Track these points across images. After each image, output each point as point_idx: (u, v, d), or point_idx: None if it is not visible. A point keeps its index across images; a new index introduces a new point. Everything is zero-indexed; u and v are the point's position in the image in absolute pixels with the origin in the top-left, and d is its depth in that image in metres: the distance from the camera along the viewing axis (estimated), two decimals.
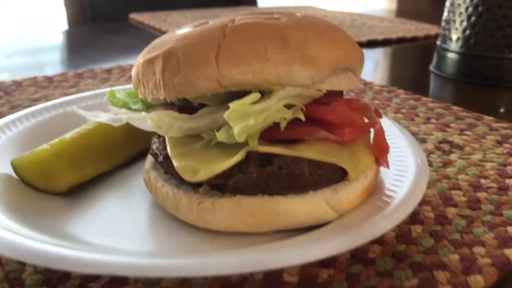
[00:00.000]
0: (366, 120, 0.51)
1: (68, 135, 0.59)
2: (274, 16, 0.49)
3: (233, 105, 0.44)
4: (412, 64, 1.39)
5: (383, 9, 2.84)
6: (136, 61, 0.53)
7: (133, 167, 0.63)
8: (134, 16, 1.90)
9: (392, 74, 1.28)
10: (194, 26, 0.50)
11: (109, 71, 1.11)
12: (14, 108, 0.87)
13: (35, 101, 0.90)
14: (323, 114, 0.48)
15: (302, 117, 0.46)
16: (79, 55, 1.45)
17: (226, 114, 0.44)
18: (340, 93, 0.54)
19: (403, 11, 2.62)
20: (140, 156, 0.65)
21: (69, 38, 1.80)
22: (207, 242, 0.48)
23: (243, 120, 0.44)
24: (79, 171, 0.56)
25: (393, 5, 3.46)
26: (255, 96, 0.45)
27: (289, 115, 0.46)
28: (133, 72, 0.53)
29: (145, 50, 0.52)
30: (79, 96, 0.76)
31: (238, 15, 0.50)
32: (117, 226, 0.50)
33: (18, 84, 1.00)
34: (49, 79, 1.03)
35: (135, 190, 0.58)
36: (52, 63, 1.41)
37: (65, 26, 2.14)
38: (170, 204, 0.50)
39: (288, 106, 0.47)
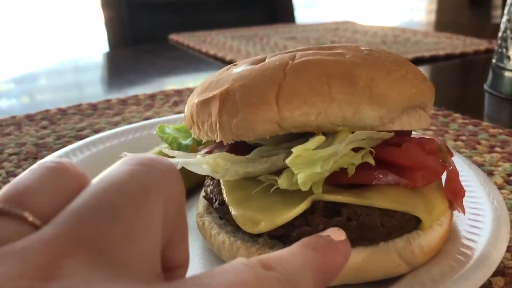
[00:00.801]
0: (440, 161, 0.47)
1: None
2: (337, 51, 0.46)
3: (296, 150, 0.40)
4: (464, 83, 1.32)
5: (422, 21, 2.76)
6: (189, 100, 0.50)
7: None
8: (174, 37, 1.90)
9: (443, 94, 1.22)
10: (251, 63, 0.47)
11: (152, 97, 1.09)
12: (60, 138, 0.86)
13: (80, 131, 0.89)
14: (394, 157, 0.44)
15: (372, 162, 0.42)
16: (121, 79, 1.46)
17: (289, 160, 0.40)
18: (409, 132, 0.50)
19: (443, 23, 2.55)
20: (189, 194, 0.62)
21: (109, 60, 1.81)
22: None
23: (308, 167, 0.40)
24: None
25: (432, 17, 3.38)
26: (320, 139, 0.42)
27: (357, 160, 0.42)
28: (187, 111, 0.50)
29: (199, 88, 0.50)
30: (126, 129, 0.75)
31: (298, 51, 0.47)
32: None
33: (63, 112, 1.00)
34: (94, 107, 1.03)
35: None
36: (94, 86, 1.42)
37: (105, 47, 2.16)
38: (226, 254, 0.46)
39: (355, 149, 0.43)
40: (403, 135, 0.46)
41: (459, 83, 1.31)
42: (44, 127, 0.92)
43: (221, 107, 0.44)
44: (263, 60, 0.47)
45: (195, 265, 0.49)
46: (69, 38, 3.04)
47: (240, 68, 0.47)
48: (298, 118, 0.42)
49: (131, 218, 0.21)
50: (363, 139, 0.43)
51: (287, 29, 2.02)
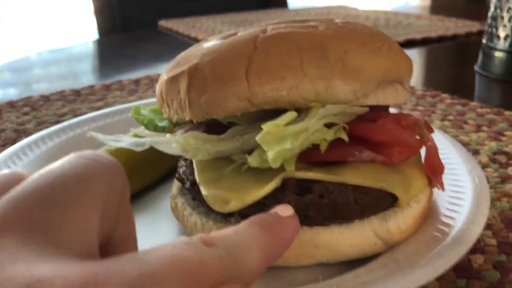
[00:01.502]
0: (417, 137, 0.45)
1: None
2: (310, 24, 0.44)
3: (266, 126, 0.39)
4: (455, 64, 1.30)
5: (417, 5, 2.73)
6: (160, 78, 0.49)
7: (159, 189, 0.59)
8: (163, 23, 1.87)
9: (433, 76, 1.20)
10: (222, 38, 0.46)
11: (137, 82, 1.07)
12: (40, 124, 0.84)
13: (62, 116, 0.88)
14: (369, 132, 0.43)
15: (346, 138, 0.41)
16: (108, 65, 1.44)
17: (259, 137, 0.39)
18: (386, 108, 0.48)
19: (439, 7, 2.51)
20: (166, 177, 0.61)
21: (99, 48, 1.79)
22: None
23: (278, 143, 0.39)
24: None
25: (427, 1, 3.34)
26: (291, 115, 0.40)
27: (330, 135, 0.40)
28: (157, 89, 0.49)
29: (170, 65, 0.48)
30: (104, 112, 0.73)
31: (270, 24, 0.45)
32: None
33: (45, 98, 0.98)
34: (77, 93, 1.01)
35: (162, 216, 0.53)
36: (85, 73, 1.39)
37: (95, 35, 2.14)
38: None
39: (328, 125, 0.41)
40: (379, 111, 0.45)
41: (450, 65, 1.29)
42: (26, 113, 0.90)
43: (190, 83, 0.43)
44: (235, 34, 0.46)
45: None
46: (58, 26, 3.01)
47: (210, 43, 0.45)
48: (269, 93, 0.40)
49: (67, 203, 0.22)
50: (336, 114, 0.41)
51: (279, 14, 1.99)
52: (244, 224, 0.26)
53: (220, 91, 0.41)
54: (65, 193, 0.22)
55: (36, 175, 0.23)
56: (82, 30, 2.38)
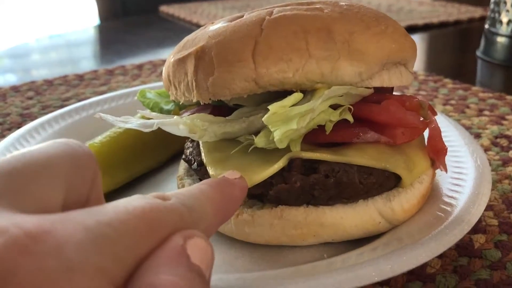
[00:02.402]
0: (421, 119, 0.46)
1: (98, 139, 0.56)
2: (316, 6, 0.44)
3: (272, 107, 0.39)
4: (457, 49, 1.30)
5: None
6: (167, 60, 0.49)
7: (166, 171, 0.60)
8: (164, 9, 1.87)
9: (436, 61, 1.21)
10: (228, 20, 0.46)
11: (140, 67, 1.08)
12: (45, 108, 0.85)
13: (66, 101, 0.88)
14: (373, 114, 0.43)
15: (351, 119, 0.42)
16: (110, 51, 1.44)
17: (265, 118, 0.39)
18: (390, 90, 0.49)
19: None
20: (173, 159, 0.62)
21: (100, 33, 1.79)
22: (246, 256, 0.44)
23: (284, 124, 0.40)
24: (109, 178, 0.53)
25: None
26: (297, 96, 0.41)
27: (335, 117, 0.41)
28: (164, 72, 0.49)
29: (176, 48, 0.48)
30: (110, 96, 0.74)
31: (276, 7, 0.46)
32: None
33: (49, 83, 0.99)
34: (80, 77, 1.01)
35: None
36: (85, 59, 1.39)
37: (96, 20, 2.13)
38: None
39: (334, 106, 0.42)
40: (383, 93, 0.45)
41: (452, 50, 1.29)
42: (30, 98, 0.91)
43: (197, 65, 0.43)
44: (241, 17, 0.46)
45: None
46: (58, 12, 2.99)
47: (217, 25, 0.45)
48: (275, 75, 0.41)
49: (31, 174, 0.24)
50: (341, 96, 0.42)
51: (286, 2, 1.99)
52: (196, 184, 0.29)
53: (227, 73, 0.41)
54: (32, 167, 0.24)
55: (16, 152, 0.25)
56: (83, 16, 2.37)
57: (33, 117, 0.80)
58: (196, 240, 0.23)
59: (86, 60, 1.37)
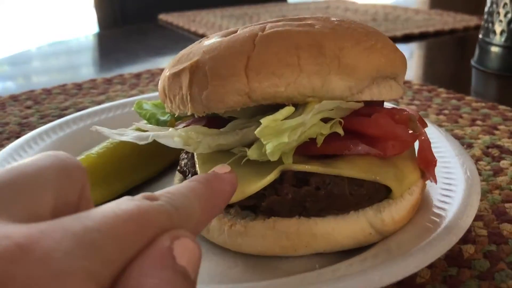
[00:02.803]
0: (410, 131, 0.47)
1: (95, 150, 0.57)
2: (307, 22, 0.45)
3: (265, 120, 0.40)
4: (452, 58, 1.32)
5: (416, 0, 2.74)
6: (162, 74, 0.50)
7: (162, 181, 0.61)
8: (163, 17, 1.88)
9: (430, 70, 1.22)
10: (222, 35, 0.47)
11: (138, 76, 1.09)
12: (43, 117, 0.86)
13: (64, 110, 0.89)
14: (363, 127, 0.44)
15: (341, 132, 0.43)
16: (108, 59, 1.45)
17: (257, 131, 0.40)
18: (381, 103, 0.50)
19: (438, 1, 2.52)
20: (170, 169, 0.63)
21: (99, 41, 1.80)
22: (240, 266, 0.45)
23: (276, 137, 0.41)
24: (106, 189, 0.54)
25: None
26: (289, 110, 0.42)
27: (326, 130, 0.42)
28: (160, 85, 0.50)
29: (171, 62, 0.50)
30: (107, 106, 0.75)
31: (268, 22, 0.47)
32: None
33: (47, 92, 1.00)
34: (78, 86, 1.02)
35: None
36: (84, 67, 1.41)
37: (95, 28, 2.15)
38: None
39: (325, 120, 0.43)
40: (374, 106, 0.46)
41: (447, 59, 1.30)
42: (29, 107, 0.92)
43: (191, 79, 0.44)
44: (235, 32, 0.47)
45: None
46: (59, 20, 3.01)
47: (211, 40, 0.47)
48: (268, 89, 0.42)
49: (21, 185, 0.24)
50: (332, 109, 0.43)
51: (277, 8, 2.00)
52: (185, 181, 0.29)
53: (221, 87, 0.43)
54: (21, 178, 0.25)
55: (6, 166, 0.26)
56: (82, 23, 2.39)
57: (31, 127, 0.81)
58: (183, 240, 0.24)
59: (85, 69, 1.38)
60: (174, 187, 0.27)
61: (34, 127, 0.80)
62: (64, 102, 0.93)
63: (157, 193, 0.26)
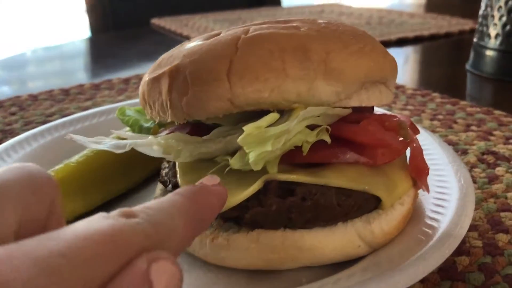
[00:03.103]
0: (401, 139, 0.45)
1: (75, 159, 0.55)
2: (293, 24, 0.43)
3: (247, 128, 0.38)
4: (447, 62, 1.30)
5: (411, 3, 2.73)
6: (143, 79, 0.48)
7: (145, 191, 0.59)
8: (156, 21, 1.86)
9: (425, 74, 1.20)
10: (204, 38, 0.45)
11: (126, 81, 1.07)
12: (27, 124, 0.84)
13: (49, 116, 0.87)
14: (352, 134, 0.42)
15: (328, 139, 0.41)
16: (98, 64, 1.43)
17: (240, 139, 0.38)
18: (370, 109, 0.48)
19: (434, 5, 2.51)
20: (152, 178, 0.60)
21: (91, 46, 1.78)
22: (222, 281, 0.43)
23: (259, 145, 0.38)
24: (86, 199, 0.52)
25: None
26: (273, 116, 0.40)
27: (312, 137, 0.40)
28: (140, 91, 0.48)
29: (152, 66, 0.48)
30: (91, 112, 0.72)
31: (252, 25, 0.45)
32: None
33: (33, 98, 0.97)
34: (66, 92, 1.00)
35: None
36: (73, 73, 1.38)
37: (87, 33, 2.13)
38: None
39: (311, 127, 0.41)
40: (363, 112, 0.44)
41: (442, 63, 1.29)
42: (13, 113, 0.89)
43: (171, 84, 0.42)
44: (218, 35, 0.45)
45: None
46: (51, 25, 2.99)
47: (192, 44, 0.44)
48: (251, 95, 0.40)
49: None
50: (318, 116, 0.41)
51: (271, 12, 1.99)
52: (169, 195, 0.27)
53: (201, 93, 0.40)
54: None
55: None
56: (77, 28, 2.37)
57: (14, 134, 0.79)
58: (162, 263, 0.21)
59: (75, 74, 1.36)
60: (155, 202, 0.25)
61: (17, 134, 0.78)
62: (49, 108, 0.91)
63: (136, 208, 0.23)
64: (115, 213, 0.22)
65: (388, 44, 1.38)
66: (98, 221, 0.21)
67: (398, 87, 0.97)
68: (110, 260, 0.20)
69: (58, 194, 0.27)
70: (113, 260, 0.20)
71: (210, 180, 0.32)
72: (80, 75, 1.36)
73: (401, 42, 1.41)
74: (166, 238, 0.23)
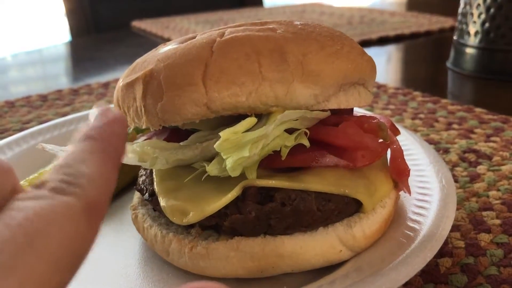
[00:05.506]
0: (381, 141, 0.44)
1: (50, 167, 0.53)
2: (269, 26, 0.43)
3: (224, 133, 0.37)
4: (427, 61, 1.30)
5: (393, 2, 2.75)
6: (117, 84, 0.47)
7: (122, 199, 0.57)
8: (136, 24, 1.84)
9: (406, 73, 1.21)
10: (179, 42, 0.44)
11: (106, 85, 1.05)
12: (3, 132, 0.81)
13: (26, 123, 0.85)
14: (331, 137, 0.41)
15: (307, 143, 0.40)
16: (78, 68, 1.41)
17: (216, 145, 0.37)
18: (349, 111, 0.47)
19: (415, 3, 2.52)
20: (130, 186, 0.59)
21: (71, 50, 1.75)
22: None
23: (236, 151, 0.38)
24: None
25: None
26: (250, 121, 0.39)
27: (290, 141, 0.39)
28: (114, 96, 0.47)
29: (126, 71, 0.46)
30: (68, 119, 0.71)
31: (228, 27, 0.44)
32: (102, 271, 0.44)
33: (10, 104, 0.95)
34: (43, 98, 0.98)
35: (124, 228, 0.51)
36: (52, 78, 1.36)
37: (67, 36, 2.10)
38: (159, 248, 0.43)
39: (290, 130, 0.40)
40: (342, 114, 0.44)
41: (422, 62, 1.29)
42: None
43: (145, 90, 0.41)
44: (194, 38, 0.44)
45: (131, 260, 0.46)
46: (30, 29, 2.94)
47: (167, 47, 0.43)
48: (228, 99, 0.39)
49: None
50: (296, 119, 0.40)
51: (253, 13, 1.98)
52: (74, 144, 0.26)
53: (177, 98, 0.39)
54: None
55: None
56: (57, 31, 2.34)
57: None
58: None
59: (53, 79, 1.34)
60: (66, 157, 0.25)
61: None
62: (27, 115, 0.89)
63: (56, 177, 0.23)
64: (45, 192, 0.22)
65: (369, 43, 1.38)
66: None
67: (380, 86, 0.97)
68: None
69: (17, 184, 0.26)
70: None
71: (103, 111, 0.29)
72: (60, 79, 1.34)
73: (382, 41, 1.41)
74: (87, 188, 0.23)
